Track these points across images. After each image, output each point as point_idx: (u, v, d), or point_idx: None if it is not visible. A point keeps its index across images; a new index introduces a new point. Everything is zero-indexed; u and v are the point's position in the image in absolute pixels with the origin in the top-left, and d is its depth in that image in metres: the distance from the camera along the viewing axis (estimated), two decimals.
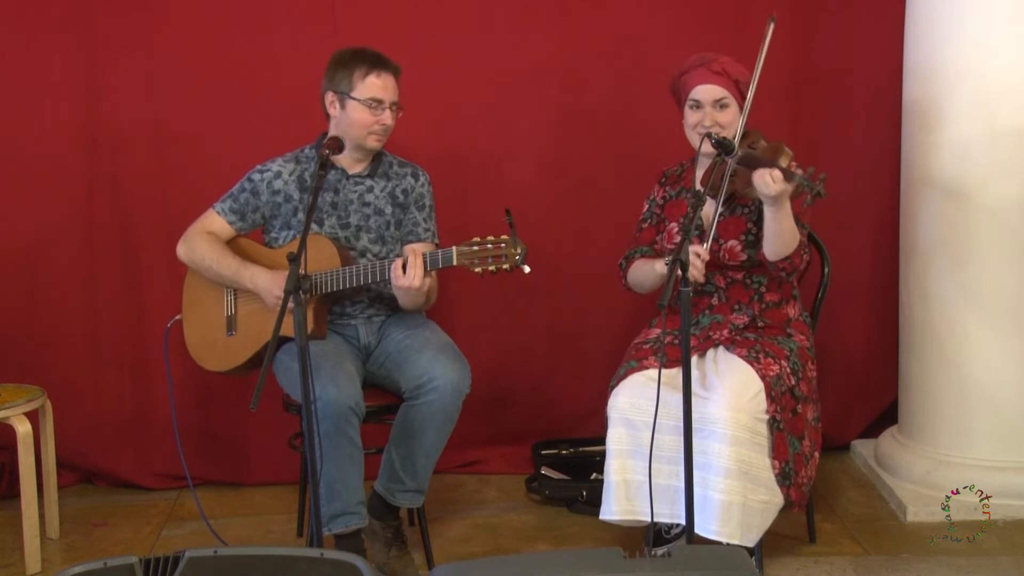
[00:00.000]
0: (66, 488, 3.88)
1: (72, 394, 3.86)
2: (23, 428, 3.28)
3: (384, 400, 3.22)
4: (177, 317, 3.37)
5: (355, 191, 3.29)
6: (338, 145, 3.12)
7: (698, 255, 2.91)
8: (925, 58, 3.56)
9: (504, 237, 2.91)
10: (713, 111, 3.13)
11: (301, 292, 2.63)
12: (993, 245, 3.46)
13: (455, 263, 2.95)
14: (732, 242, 3.16)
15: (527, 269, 2.90)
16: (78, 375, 3.92)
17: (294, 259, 2.64)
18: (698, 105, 3.15)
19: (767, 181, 2.88)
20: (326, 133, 3.29)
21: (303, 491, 3.53)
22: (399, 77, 3.24)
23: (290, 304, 2.64)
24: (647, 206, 3.37)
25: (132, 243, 3.88)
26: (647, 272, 3.24)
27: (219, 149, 3.81)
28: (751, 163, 2.99)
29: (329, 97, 3.23)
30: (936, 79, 3.51)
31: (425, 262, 2.98)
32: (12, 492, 3.71)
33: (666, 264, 2.76)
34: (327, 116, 3.27)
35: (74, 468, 3.98)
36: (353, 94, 3.18)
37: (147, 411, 3.96)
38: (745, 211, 3.16)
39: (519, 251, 2.89)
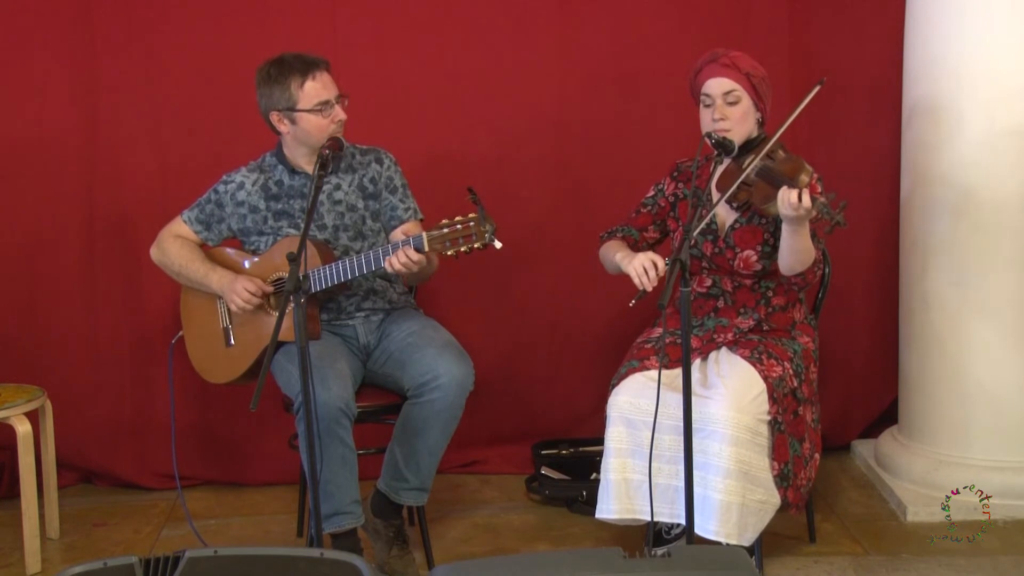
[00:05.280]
0: (66, 488, 3.88)
1: (72, 394, 3.86)
2: (23, 428, 3.28)
3: (384, 400, 3.22)
4: (180, 334, 3.38)
5: (323, 191, 3.25)
6: (338, 145, 3.12)
7: (655, 265, 2.93)
8: (926, 58, 3.56)
9: (472, 215, 2.87)
10: (723, 105, 3.06)
11: (300, 292, 2.63)
12: (994, 245, 3.46)
13: (427, 249, 2.93)
14: (748, 252, 3.12)
15: (498, 245, 2.86)
16: (78, 375, 3.92)
17: (294, 259, 2.64)
18: (710, 101, 3.09)
19: (792, 202, 2.79)
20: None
21: (303, 491, 3.52)
22: (330, 68, 3.17)
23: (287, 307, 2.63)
24: (653, 192, 3.32)
25: (132, 243, 3.87)
26: (611, 258, 3.18)
27: (219, 149, 3.80)
28: (770, 177, 2.93)
29: (275, 116, 3.17)
30: (937, 79, 3.51)
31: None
32: (12, 492, 3.71)
33: (666, 264, 2.75)
34: (277, 133, 3.22)
35: (74, 468, 3.98)
36: (299, 106, 3.13)
37: (147, 411, 3.96)
38: (763, 221, 3.11)
39: (488, 228, 2.85)
